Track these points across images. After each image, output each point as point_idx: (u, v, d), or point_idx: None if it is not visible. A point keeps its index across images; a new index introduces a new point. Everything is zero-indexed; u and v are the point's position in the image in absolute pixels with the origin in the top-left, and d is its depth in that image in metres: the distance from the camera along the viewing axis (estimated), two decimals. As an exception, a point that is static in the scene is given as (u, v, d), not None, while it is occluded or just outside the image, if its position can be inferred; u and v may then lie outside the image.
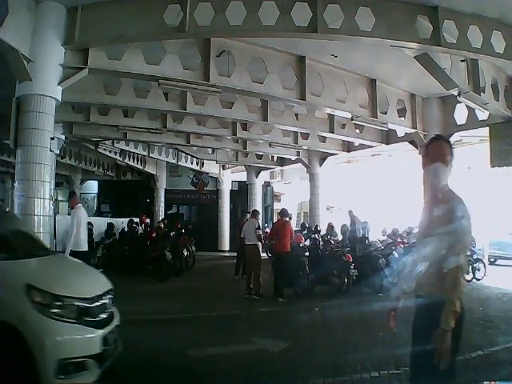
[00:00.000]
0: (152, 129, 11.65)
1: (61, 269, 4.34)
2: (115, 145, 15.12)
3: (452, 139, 10.94)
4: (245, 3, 6.16)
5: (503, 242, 13.85)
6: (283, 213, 9.65)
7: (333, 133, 11.69)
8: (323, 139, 13.50)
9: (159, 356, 5.01)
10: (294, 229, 11.12)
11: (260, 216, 11.25)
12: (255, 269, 9.21)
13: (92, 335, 3.57)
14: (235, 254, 12.63)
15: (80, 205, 7.58)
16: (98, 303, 3.79)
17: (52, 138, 6.81)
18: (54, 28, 6.54)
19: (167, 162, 18.93)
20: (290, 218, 9.72)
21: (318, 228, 12.78)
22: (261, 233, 9.64)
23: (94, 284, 4.08)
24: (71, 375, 3.34)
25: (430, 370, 2.27)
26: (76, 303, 3.57)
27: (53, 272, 4.08)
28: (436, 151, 2.53)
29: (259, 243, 9.54)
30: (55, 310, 3.44)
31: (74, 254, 6.54)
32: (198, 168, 19.53)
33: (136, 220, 14.32)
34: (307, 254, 9.76)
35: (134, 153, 16.97)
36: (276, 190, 23.38)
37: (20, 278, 3.59)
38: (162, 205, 20.75)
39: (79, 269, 4.52)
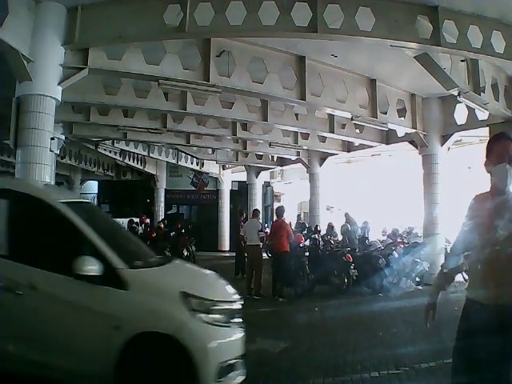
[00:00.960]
0: (152, 129, 11.65)
1: (194, 274, 4.37)
2: (115, 145, 15.12)
3: (451, 140, 10.98)
4: (245, 3, 6.14)
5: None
6: (279, 212, 9.66)
7: (333, 133, 11.68)
8: (323, 139, 13.50)
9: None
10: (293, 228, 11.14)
11: (260, 215, 11.26)
12: (257, 269, 9.23)
13: (239, 336, 3.64)
14: (235, 254, 12.63)
15: None
16: (237, 304, 3.86)
17: (52, 138, 6.79)
18: (53, 28, 6.52)
19: (167, 162, 18.94)
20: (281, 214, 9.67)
21: (318, 228, 12.79)
22: (264, 235, 9.67)
23: (225, 286, 4.13)
24: (226, 377, 3.41)
25: None
26: (225, 306, 3.65)
27: (193, 278, 4.16)
28: (502, 151, 2.38)
29: (261, 244, 9.57)
30: (212, 315, 3.48)
31: None
32: (198, 168, 19.54)
33: (136, 220, 14.33)
34: (307, 254, 9.78)
35: (133, 153, 16.98)
36: (276, 190, 23.39)
37: (172, 286, 3.62)
38: (162, 205, 20.76)
39: (204, 273, 4.45)
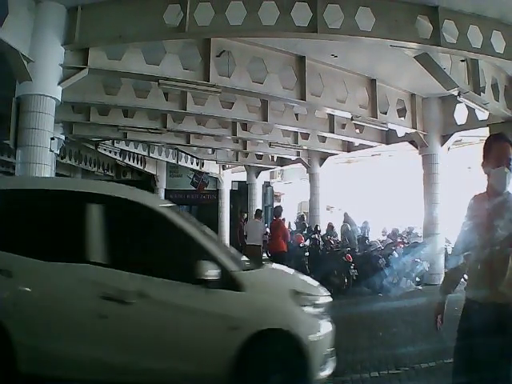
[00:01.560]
0: (152, 129, 11.64)
1: (289, 274, 4.64)
2: (115, 145, 15.10)
3: (451, 140, 10.98)
4: (245, 3, 6.14)
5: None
6: (277, 211, 9.68)
7: (333, 133, 11.68)
8: (323, 139, 13.49)
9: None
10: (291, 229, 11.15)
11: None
12: None
13: (331, 327, 3.80)
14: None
15: None
16: (328, 298, 4.08)
17: (52, 138, 6.79)
18: (53, 28, 6.52)
19: (167, 162, 18.91)
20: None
21: (318, 228, 12.79)
22: (267, 237, 9.68)
23: (314, 282, 4.40)
24: (325, 365, 3.63)
25: None
26: (322, 302, 3.89)
27: (291, 276, 4.48)
28: (500, 154, 2.36)
29: (261, 244, 9.60)
30: (315, 309, 3.75)
31: None
32: (198, 168, 19.52)
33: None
34: (307, 254, 9.79)
35: (133, 153, 16.96)
36: (276, 190, 23.39)
37: (282, 284, 3.95)
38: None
39: (294, 273, 4.74)
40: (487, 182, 2.46)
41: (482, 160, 2.46)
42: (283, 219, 11.45)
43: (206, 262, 3.38)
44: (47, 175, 6.61)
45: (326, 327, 3.73)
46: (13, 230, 3.61)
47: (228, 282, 3.45)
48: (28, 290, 3.47)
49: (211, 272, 3.36)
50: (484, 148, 2.47)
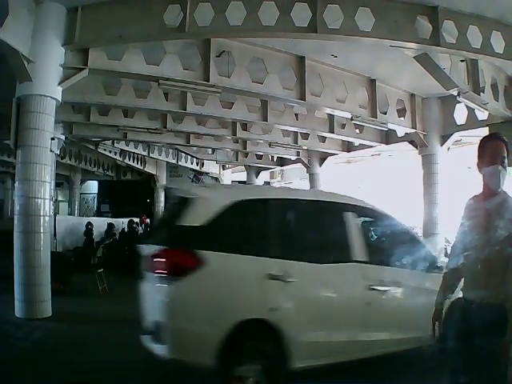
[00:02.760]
0: (152, 129, 11.65)
1: None
2: (115, 145, 15.12)
3: (451, 139, 10.98)
4: (245, 4, 6.16)
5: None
6: None
7: (333, 133, 11.68)
8: (323, 139, 13.50)
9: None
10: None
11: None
12: None
13: None
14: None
15: None
16: None
17: (52, 139, 6.81)
18: (54, 28, 6.55)
19: (167, 162, 18.93)
20: None
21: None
22: None
23: None
24: None
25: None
26: None
27: None
28: (494, 152, 2.39)
29: None
30: None
31: None
32: (197, 168, 19.53)
33: (136, 220, 14.34)
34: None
35: (133, 153, 16.97)
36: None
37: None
38: (162, 205, 20.75)
39: None
40: (482, 181, 2.47)
41: (477, 160, 2.48)
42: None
43: (437, 255, 4.35)
44: (47, 175, 6.64)
45: None
46: (287, 238, 4.11)
47: (438, 267, 4.30)
48: (305, 290, 3.92)
49: (442, 261, 4.28)
50: (479, 148, 2.49)
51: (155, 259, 3.67)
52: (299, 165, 16.32)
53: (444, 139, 11.01)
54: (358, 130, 12.08)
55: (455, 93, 7.65)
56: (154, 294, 3.78)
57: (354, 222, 4.28)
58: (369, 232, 4.62)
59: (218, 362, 3.40)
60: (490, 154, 2.40)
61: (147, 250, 4.05)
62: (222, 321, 3.49)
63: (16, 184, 6.74)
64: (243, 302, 3.65)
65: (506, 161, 2.39)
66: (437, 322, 2.60)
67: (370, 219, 4.88)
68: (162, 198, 20.81)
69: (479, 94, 8.06)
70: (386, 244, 4.75)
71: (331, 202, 4.49)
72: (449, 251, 3.04)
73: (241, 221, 3.95)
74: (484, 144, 2.47)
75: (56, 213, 10.54)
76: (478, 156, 2.48)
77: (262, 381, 3.49)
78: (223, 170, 20.62)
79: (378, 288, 4.08)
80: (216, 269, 3.56)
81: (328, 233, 4.39)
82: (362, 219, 4.58)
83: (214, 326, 3.47)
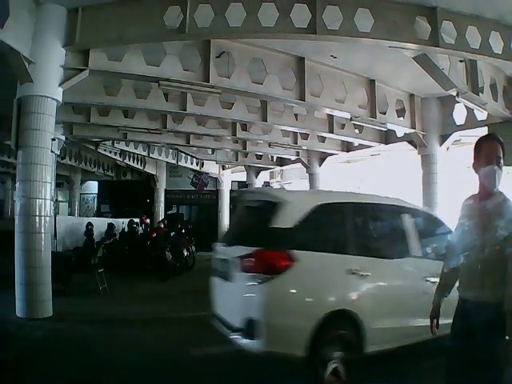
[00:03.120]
0: (152, 129, 11.68)
1: None
2: (115, 145, 15.15)
3: (450, 139, 11.00)
4: (244, 5, 6.18)
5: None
6: None
7: (332, 133, 11.71)
8: (322, 139, 13.53)
9: (161, 355, 5.05)
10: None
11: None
12: None
13: None
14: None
15: None
16: None
17: (53, 139, 6.85)
18: (54, 29, 6.58)
19: (167, 163, 18.95)
20: None
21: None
22: None
23: None
24: None
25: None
26: None
27: None
28: (490, 152, 2.41)
29: None
30: None
31: None
32: (197, 168, 19.56)
33: (136, 220, 14.37)
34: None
35: (133, 153, 17.00)
36: (276, 190, 23.38)
37: None
38: (162, 205, 20.79)
39: None
40: (478, 181, 2.50)
41: (473, 161, 2.50)
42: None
43: None
44: (48, 176, 6.66)
45: None
46: (361, 237, 4.62)
47: None
48: (378, 283, 4.37)
49: None
50: (475, 149, 2.52)
51: (249, 260, 3.97)
52: (299, 165, 16.34)
53: (443, 139, 11.04)
54: (357, 130, 12.11)
55: (454, 93, 7.68)
56: (245, 293, 4.03)
57: (409, 222, 4.79)
58: (419, 230, 4.89)
59: (307, 352, 3.77)
60: (485, 154, 2.42)
61: (230, 251, 4.42)
62: (312, 313, 3.88)
63: (17, 184, 6.76)
64: (329, 295, 4.10)
65: (501, 161, 2.41)
66: (434, 320, 2.63)
67: (420, 218, 5.20)
68: (162, 198, 20.86)
69: (478, 94, 8.09)
70: (433, 240, 5.04)
71: (391, 204, 5.00)
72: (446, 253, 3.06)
73: (322, 222, 4.36)
74: (480, 144, 2.50)
75: (56, 213, 10.56)
76: (474, 156, 2.51)
77: (341, 366, 3.91)
78: (223, 170, 20.64)
79: (431, 279, 4.20)
80: (305, 266, 3.96)
81: (391, 231, 4.92)
82: (414, 219, 4.91)
83: (305, 318, 3.85)
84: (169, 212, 21.53)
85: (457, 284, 2.63)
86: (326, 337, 3.87)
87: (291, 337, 3.82)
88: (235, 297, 4.22)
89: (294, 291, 3.96)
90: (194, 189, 20.70)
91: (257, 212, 4.73)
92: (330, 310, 3.94)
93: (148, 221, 15.52)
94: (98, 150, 15.58)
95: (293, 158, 15.86)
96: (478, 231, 2.40)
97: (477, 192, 2.53)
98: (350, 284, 4.15)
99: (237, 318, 4.07)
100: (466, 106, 9.27)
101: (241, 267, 4.07)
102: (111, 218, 17.71)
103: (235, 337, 4.08)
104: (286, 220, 4.05)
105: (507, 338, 2.17)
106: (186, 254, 12.46)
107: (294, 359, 3.83)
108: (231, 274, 4.28)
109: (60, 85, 6.79)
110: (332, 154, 14.81)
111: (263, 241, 4.03)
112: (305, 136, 13.29)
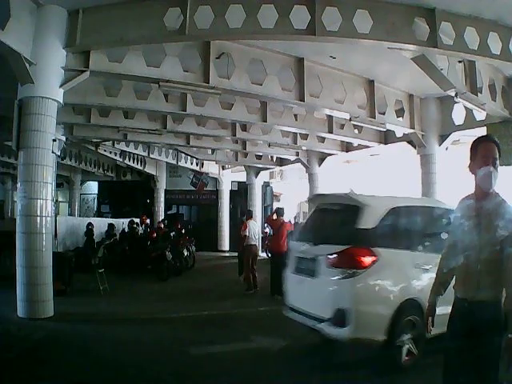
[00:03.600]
0: (152, 130, 11.72)
1: None
2: (115, 146, 15.18)
3: (449, 139, 11.03)
4: (244, 6, 6.21)
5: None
6: (280, 212, 9.75)
7: (331, 133, 11.74)
8: (322, 140, 13.56)
9: (161, 354, 5.08)
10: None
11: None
12: (253, 266, 9.55)
13: None
14: (236, 255, 12.69)
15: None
16: None
17: (54, 140, 6.87)
18: (55, 31, 6.61)
19: (167, 163, 19.00)
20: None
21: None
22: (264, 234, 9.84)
23: None
24: None
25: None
26: None
27: None
28: (486, 153, 2.43)
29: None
30: None
31: None
32: (197, 168, 19.60)
33: (136, 220, 14.40)
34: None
35: (134, 153, 17.05)
36: (275, 190, 23.43)
37: None
38: (162, 205, 20.82)
39: None
40: (475, 182, 2.52)
41: (469, 161, 2.52)
42: (289, 221, 11.57)
43: None
44: (49, 176, 6.70)
45: None
46: (422, 235, 5.07)
47: None
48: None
49: None
50: (471, 149, 2.54)
51: (340, 256, 4.60)
52: (298, 165, 16.38)
53: (442, 139, 11.07)
54: (356, 131, 12.14)
55: (453, 93, 7.71)
56: (334, 286, 4.62)
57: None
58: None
59: (386, 336, 4.34)
60: (482, 155, 2.45)
61: (316, 250, 4.95)
62: (391, 302, 4.50)
63: (18, 185, 6.78)
64: (403, 286, 4.67)
65: (497, 162, 2.44)
66: (430, 318, 2.66)
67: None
68: (162, 199, 20.89)
69: (477, 95, 8.12)
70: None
71: (442, 207, 5.40)
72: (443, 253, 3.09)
73: (394, 223, 4.93)
74: (476, 145, 2.52)
75: (56, 213, 10.58)
76: (470, 157, 2.53)
77: (412, 347, 4.55)
78: (223, 170, 20.68)
79: None
80: (384, 261, 4.54)
81: (440, 229, 5.04)
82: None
83: (385, 307, 4.47)
84: (169, 212, 21.56)
85: (452, 283, 2.65)
86: (401, 322, 4.46)
87: (374, 323, 4.44)
88: (322, 290, 4.77)
89: (377, 283, 4.57)
90: (193, 189, 20.72)
91: (341, 214, 5.32)
92: (404, 299, 4.52)
93: (148, 221, 15.56)
94: (98, 151, 15.62)
95: (292, 158, 15.90)
96: (474, 231, 2.42)
97: (473, 192, 2.55)
98: (417, 276, 4.72)
99: (324, 310, 4.61)
100: (464, 106, 9.30)
101: (331, 263, 4.66)
102: (111, 218, 17.74)
103: (323, 326, 4.61)
104: (369, 221, 4.72)
105: (510, 336, 2.18)
106: (186, 254, 12.50)
107: (375, 343, 4.40)
108: (317, 270, 4.85)
109: (61, 86, 6.81)
110: (331, 154, 14.85)
111: (351, 240, 4.68)
112: (304, 136, 13.32)
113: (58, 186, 18.43)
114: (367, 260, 4.52)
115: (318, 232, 5.45)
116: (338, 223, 5.33)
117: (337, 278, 4.58)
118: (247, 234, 9.94)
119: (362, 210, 4.77)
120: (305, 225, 6.00)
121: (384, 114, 10.22)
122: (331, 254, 4.67)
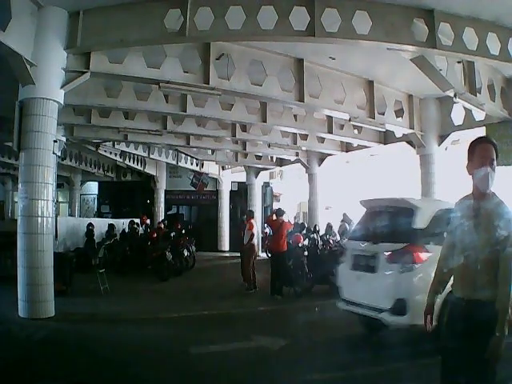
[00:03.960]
0: (152, 130, 11.75)
1: None
2: (116, 146, 15.20)
3: (448, 139, 11.06)
4: (244, 8, 6.24)
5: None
6: (280, 212, 9.78)
7: (331, 134, 11.76)
8: (322, 140, 13.58)
9: (161, 354, 5.11)
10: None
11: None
12: (252, 266, 9.67)
13: None
14: (236, 255, 12.72)
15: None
16: None
17: (55, 141, 6.89)
18: (56, 32, 6.64)
19: (167, 163, 19.02)
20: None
21: (317, 228, 12.87)
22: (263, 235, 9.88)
23: None
24: None
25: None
26: None
27: None
28: (484, 154, 2.44)
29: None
30: None
31: None
32: (197, 169, 19.62)
33: (137, 221, 14.42)
34: (306, 253, 9.86)
35: (134, 154, 17.08)
36: (275, 190, 23.46)
37: None
38: (162, 205, 20.84)
39: None
40: (472, 183, 2.54)
41: (467, 162, 2.54)
42: (288, 221, 11.60)
43: None
44: (50, 177, 6.72)
45: None
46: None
47: None
48: None
49: None
50: (468, 150, 2.56)
51: (400, 253, 5.16)
52: (298, 165, 16.40)
53: (441, 139, 11.10)
54: (356, 131, 12.16)
55: (452, 94, 7.73)
56: (394, 279, 5.18)
57: None
58: None
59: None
60: (479, 156, 2.46)
61: (375, 248, 5.52)
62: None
63: (19, 186, 6.80)
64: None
65: (494, 163, 2.46)
66: (428, 316, 2.68)
67: None
68: (162, 199, 20.91)
69: (476, 95, 8.14)
70: None
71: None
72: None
73: (440, 223, 5.07)
74: (474, 146, 2.53)
75: (57, 214, 10.61)
76: (468, 158, 2.55)
77: None
78: (223, 170, 20.70)
79: None
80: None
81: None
82: None
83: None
84: (169, 212, 21.58)
85: (450, 282, 2.68)
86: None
87: None
88: (382, 283, 5.31)
89: (428, 275, 4.73)
90: (193, 189, 20.74)
91: (395, 216, 5.78)
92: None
93: (148, 221, 15.58)
94: (99, 151, 15.64)
95: (292, 158, 15.92)
96: (472, 231, 2.44)
97: (470, 193, 2.58)
98: None
99: (385, 300, 5.15)
100: (464, 107, 9.33)
101: (392, 259, 5.23)
102: (111, 218, 17.76)
103: (383, 315, 5.12)
104: (422, 222, 5.30)
105: (497, 334, 2.23)
106: (186, 254, 12.52)
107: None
108: (377, 266, 5.41)
109: (62, 87, 6.84)
110: (331, 155, 14.88)
111: (408, 238, 5.27)
112: (304, 136, 13.35)
113: (59, 186, 18.44)
114: (423, 256, 5.06)
115: (375, 232, 5.94)
116: (394, 224, 5.80)
117: (397, 271, 5.15)
118: (255, 233, 10.02)
119: (416, 213, 5.38)
120: (359, 226, 6.47)
121: (383, 114, 10.24)
122: (392, 251, 5.25)
